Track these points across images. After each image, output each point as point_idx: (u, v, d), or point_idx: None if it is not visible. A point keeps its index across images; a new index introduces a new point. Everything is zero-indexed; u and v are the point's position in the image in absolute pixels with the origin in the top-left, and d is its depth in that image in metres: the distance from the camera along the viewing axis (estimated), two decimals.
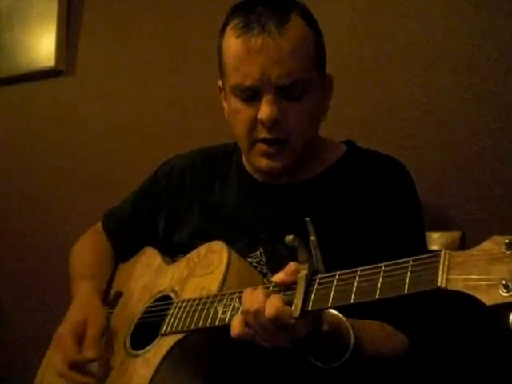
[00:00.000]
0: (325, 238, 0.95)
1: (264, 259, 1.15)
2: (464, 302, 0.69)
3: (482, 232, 1.40)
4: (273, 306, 0.85)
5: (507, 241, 0.69)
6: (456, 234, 1.37)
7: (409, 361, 1.07)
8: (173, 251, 1.26)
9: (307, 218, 0.91)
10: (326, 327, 0.89)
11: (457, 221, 1.43)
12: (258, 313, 0.87)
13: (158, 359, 1.02)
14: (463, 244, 1.36)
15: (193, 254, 1.17)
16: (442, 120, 1.48)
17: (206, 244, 1.14)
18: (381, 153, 1.23)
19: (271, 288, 0.92)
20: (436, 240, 1.35)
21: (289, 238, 0.88)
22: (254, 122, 1.11)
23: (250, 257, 1.16)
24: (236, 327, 0.90)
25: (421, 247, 1.14)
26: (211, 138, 1.43)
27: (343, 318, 0.93)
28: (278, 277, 0.91)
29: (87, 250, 1.42)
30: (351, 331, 0.93)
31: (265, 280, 1.11)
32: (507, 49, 1.41)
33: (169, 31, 2.01)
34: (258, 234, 1.17)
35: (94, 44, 2.19)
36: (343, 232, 1.12)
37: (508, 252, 0.68)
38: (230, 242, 1.13)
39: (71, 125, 2.22)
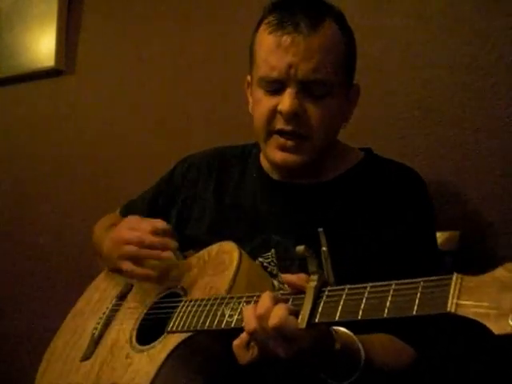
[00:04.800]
0: (341, 239, 0.95)
1: (275, 260, 1.15)
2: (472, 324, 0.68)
3: (481, 232, 1.40)
4: (277, 316, 0.84)
5: None
6: (456, 234, 1.37)
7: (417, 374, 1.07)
8: (184, 245, 1.25)
9: (320, 229, 0.91)
10: (338, 346, 0.89)
11: (456, 221, 1.43)
12: (262, 318, 0.86)
13: (162, 356, 1.02)
14: (462, 244, 1.36)
15: (204, 253, 1.17)
16: (442, 120, 1.48)
17: (218, 243, 1.15)
18: (397, 161, 1.24)
19: (279, 294, 0.91)
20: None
21: (300, 248, 0.87)
22: (274, 113, 1.13)
23: (261, 257, 1.16)
24: (251, 323, 0.88)
25: (433, 257, 1.14)
26: (212, 139, 1.44)
27: (352, 336, 0.93)
28: (290, 277, 0.91)
29: (108, 222, 1.44)
30: (361, 347, 0.93)
31: (274, 282, 1.11)
32: (507, 49, 1.41)
33: (169, 31, 2.01)
34: (271, 234, 1.17)
35: (94, 44, 2.19)
36: (357, 237, 1.11)
37: None
38: (243, 241, 1.13)
39: (71, 125, 2.22)
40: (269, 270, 1.14)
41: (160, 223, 1.17)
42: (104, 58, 2.16)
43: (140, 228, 1.17)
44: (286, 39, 1.09)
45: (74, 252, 2.13)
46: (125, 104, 2.10)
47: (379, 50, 1.58)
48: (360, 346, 0.93)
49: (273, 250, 1.16)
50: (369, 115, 1.58)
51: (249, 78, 1.24)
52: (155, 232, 1.15)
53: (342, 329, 0.93)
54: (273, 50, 1.11)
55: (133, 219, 1.23)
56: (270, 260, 1.16)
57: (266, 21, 1.15)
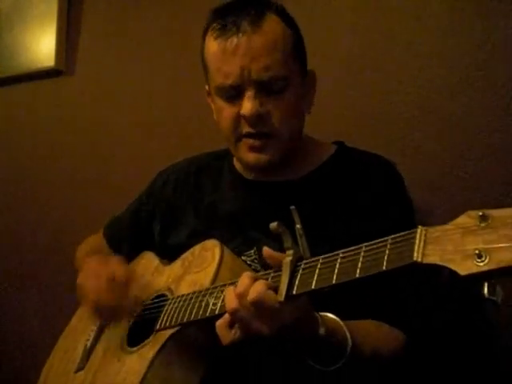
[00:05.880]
0: (318, 234, 0.95)
1: (258, 257, 1.16)
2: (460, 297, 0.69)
3: None
4: (255, 291, 0.86)
5: (481, 213, 0.70)
6: None
7: (406, 356, 1.07)
8: (169, 254, 1.27)
9: (292, 207, 0.93)
10: (322, 330, 0.90)
11: None
12: (241, 296, 0.88)
13: (151, 354, 1.04)
14: None
15: (187, 254, 1.19)
16: (441, 120, 1.48)
17: (201, 243, 1.16)
18: (370, 152, 1.25)
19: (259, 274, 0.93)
20: None
21: (273, 225, 0.90)
22: (238, 118, 1.14)
23: (244, 255, 1.17)
24: (231, 303, 0.90)
25: None
26: (212, 139, 1.43)
27: (340, 322, 0.94)
28: (270, 251, 0.93)
29: (91, 247, 1.47)
30: (348, 334, 0.93)
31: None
32: (507, 48, 1.40)
33: (169, 31, 2.01)
34: (251, 232, 1.19)
35: (94, 44, 2.19)
36: (336, 229, 1.12)
37: (482, 224, 0.69)
38: (226, 241, 1.14)
39: (71, 125, 2.22)
40: (252, 267, 1.15)
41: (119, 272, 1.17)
42: (104, 58, 2.16)
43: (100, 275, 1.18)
44: (232, 42, 1.10)
45: (74, 252, 2.13)
46: (125, 104, 2.10)
47: (379, 50, 1.58)
48: (347, 332, 0.93)
49: (255, 248, 1.17)
50: (369, 115, 1.58)
51: (207, 87, 1.25)
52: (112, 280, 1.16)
53: (330, 315, 0.94)
54: (221, 56, 1.12)
55: (92, 264, 1.24)
56: (252, 258, 1.17)
57: (210, 28, 1.16)
